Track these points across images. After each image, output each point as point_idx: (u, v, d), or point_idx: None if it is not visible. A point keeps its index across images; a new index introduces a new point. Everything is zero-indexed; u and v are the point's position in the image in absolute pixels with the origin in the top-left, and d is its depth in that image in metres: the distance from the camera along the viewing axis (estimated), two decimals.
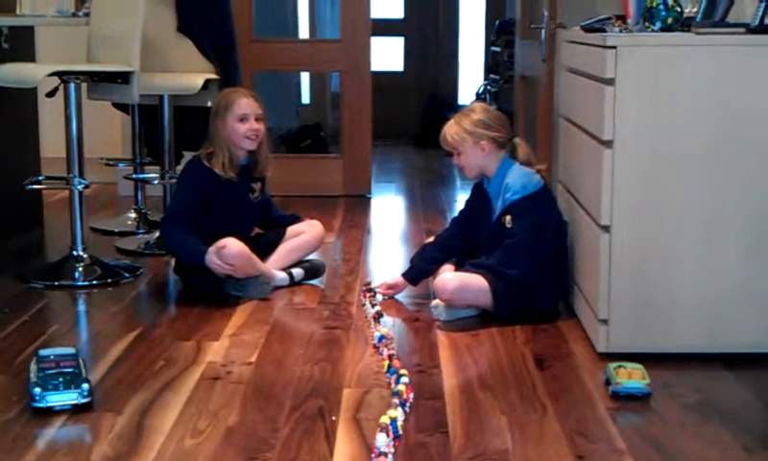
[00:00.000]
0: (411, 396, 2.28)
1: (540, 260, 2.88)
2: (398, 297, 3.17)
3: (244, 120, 3.14)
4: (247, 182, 3.24)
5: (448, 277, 2.89)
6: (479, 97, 6.85)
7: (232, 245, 3.05)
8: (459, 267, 2.99)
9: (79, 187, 3.39)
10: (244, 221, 3.28)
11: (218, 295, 3.11)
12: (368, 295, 3.10)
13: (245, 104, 3.15)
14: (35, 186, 3.61)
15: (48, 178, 3.74)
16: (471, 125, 2.98)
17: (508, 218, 2.91)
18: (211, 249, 3.03)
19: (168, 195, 3.80)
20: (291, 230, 3.36)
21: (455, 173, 6.07)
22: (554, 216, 2.96)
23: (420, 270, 3.14)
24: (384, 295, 3.13)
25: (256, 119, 3.16)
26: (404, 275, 3.14)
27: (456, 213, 3.32)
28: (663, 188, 2.51)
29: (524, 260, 2.85)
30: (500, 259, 2.87)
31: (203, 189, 3.15)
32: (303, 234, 3.36)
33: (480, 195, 3.07)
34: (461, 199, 5.14)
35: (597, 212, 2.57)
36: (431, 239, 3.25)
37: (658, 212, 2.51)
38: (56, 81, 3.40)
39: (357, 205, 4.88)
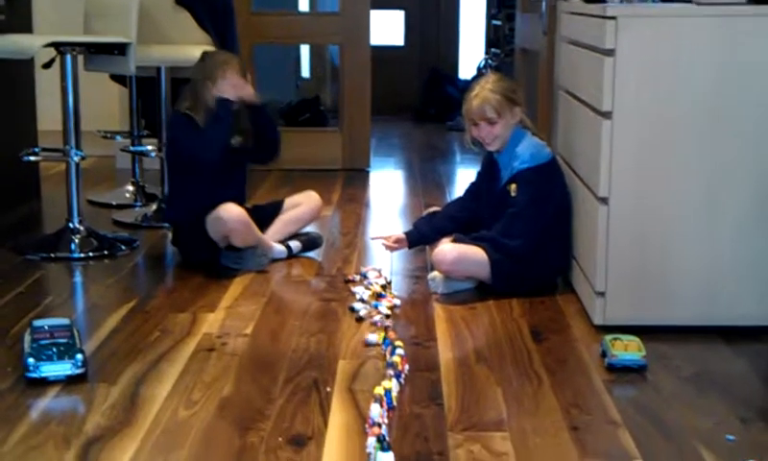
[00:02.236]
0: (406, 367, 2.28)
1: (542, 234, 2.86)
2: (395, 270, 3.16)
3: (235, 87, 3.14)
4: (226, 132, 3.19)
5: (447, 248, 2.88)
6: (480, 71, 6.81)
7: (231, 208, 3.05)
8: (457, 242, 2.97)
9: (75, 159, 3.37)
10: (229, 166, 3.20)
11: (215, 266, 3.10)
12: (361, 282, 3.02)
13: (235, 78, 3.15)
14: (31, 158, 3.59)
15: (45, 149, 3.71)
16: (509, 92, 2.94)
17: (513, 187, 2.90)
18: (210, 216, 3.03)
19: (165, 168, 3.78)
20: (288, 201, 3.36)
21: (455, 148, 6.06)
22: (559, 191, 2.94)
23: (424, 235, 3.10)
24: (389, 249, 3.08)
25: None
26: (407, 234, 3.11)
27: (457, 186, 3.30)
28: (662, 160, 2.49)
29: (525, 231, 2.84)
30: (501, 230, 2.86)
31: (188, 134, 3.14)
32: (301, 206, 3.35)
33: (490, 165, 3.04)
34: (460, 173, 5.13)
35: (596, 184, 2.55)
36: (433, 209, 3.22)
37: (656, 184, 2.50)
38: (52, 52, 3.37)
39: (356, 179, 4.86)
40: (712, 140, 2.47)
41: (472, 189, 3.16)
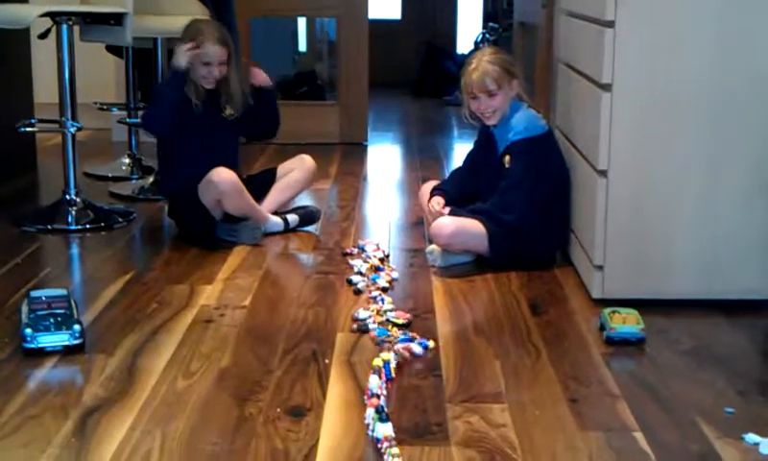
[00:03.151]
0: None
1: (539, 206, 2.85)
2: (394, 244, 3.15)
3: (207, 65, 3.10)
4: (215, 102, 3.17)
5: (445, 221, 2.87)
6: (477, 46, 6.78)
7: (222, 172, 3.05)
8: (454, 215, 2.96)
9: (71, 130, 3.35)
10: (219, 137, 3.19)
11: (211, 237, 3.09)
12: (359, 255, 2.99)
13: (211, 52, 3.09)
14: (27, 129, 3.58)
15: (41, 121, 3.70)
16: (507, 64, 2.93)
17: (507, 158, 2.89)
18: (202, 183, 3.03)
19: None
20: (281, 168, 3.33)
21: (453, 122, 6.04)
22: (555, 163, 2.92)
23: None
24: (433, 214, 2.96)
25: (220, 64, 3.11)
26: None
27: (454, 161, 3.28)
28: (662, 133, 2.48)
29: (520, 204, 2.83)
30: (497, 203, 2.85)
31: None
32: (294, 171, 3.33)
33: (487, 138, 3.02)
34: (458, 148, 5.12)
35: (595, 157, 2.54)
36: (430, 183, 3.20)
37: (656, 157, 2.49)
38: (48, 22, 3.35)
39: (353, 152, 4.85)
40: (713, 113, 2.46)
41: (469, 162, 3.15)
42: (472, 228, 2.83)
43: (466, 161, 3.17)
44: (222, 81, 3.16)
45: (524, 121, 2.90)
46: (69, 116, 3.35)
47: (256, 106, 3.24)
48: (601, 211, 2.52)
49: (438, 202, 2.98)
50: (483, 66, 2.90)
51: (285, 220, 3.24)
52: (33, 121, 3.68)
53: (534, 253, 2.88)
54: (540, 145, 2.90)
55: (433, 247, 2.90)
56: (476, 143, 3.14)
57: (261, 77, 3.24)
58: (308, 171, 3.34)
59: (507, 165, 2.88)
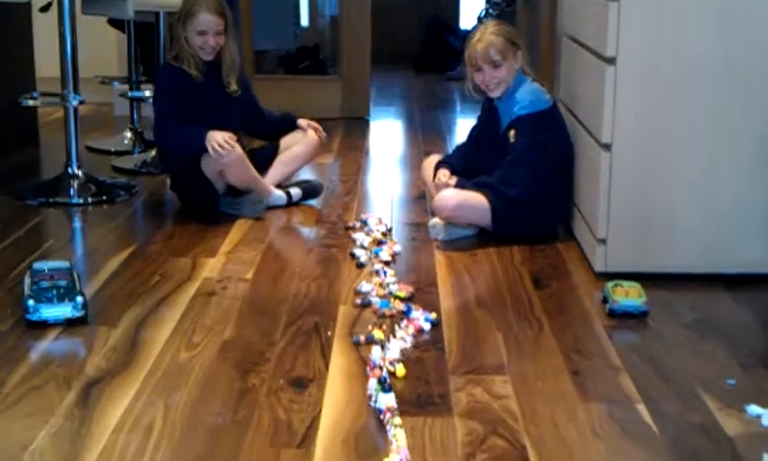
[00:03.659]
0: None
1: (542, 181, 2.84)
2: (396, 218, 3.15)
3: (202, 34, 3.08)
4: (218, 78, 3.16)
5: (449, 194, 2.86)
6: (480, 20, 6.75)
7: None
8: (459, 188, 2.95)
9: (74, 103, 3.35)
10: (226, 116, 3.16)
11: (214, 210, 3.09)
12: (362, 229, 2.98)
13: (205, 20, 3.07)
14: (29, 102, 3.56)
15: (43, 94, 3.69)
16: (511, 35, 2.91)
17: (512, 133, 2.88)
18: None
19: None
20: (284, 142, 3.33)
21: (455, 97, 6.02)
22: (560, 138, 2.91)
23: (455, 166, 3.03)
24: (439, 183, 2.94)
25: (216, 33, 3.09)
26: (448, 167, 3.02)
27: (457, 136, 3.26)
28: (666, 106, 2.47)
29: (524, 178, 2.82)
30: (501, 177, 2.84)
31: (178, 88, 3.10)
32: (296, 146, 3.32)
33: (490, 112, 3.01)
34: (460, 123, 5.10)
35: (598, 130, 2.53)
36: (434, 157, 3.19)
37: (659, 130, 2.48)
38: None
39: (356, 127, 4.83)
40: (716, 86, 2.45)
41: (473, 136, 3.14)
42: (476, 201, 2.82)
43: (469, 136, 3.16)
44: (220, 53, 3.14)
45: (529, 95, 2.88)
46: (71, 89, 3.34)
47: (271, 119, 3.34)
48: (604, 185, 2.52)
49: (444, 174, 2.96)
50: (487, 38, 2.89)
51: (288, 194, 3.23)
52: (34, 94, 3.67)
53: (537, 227, 2.88)
54: (545, 120, 2.89)
55: (436, 220, 2.89)
56: (479, 117, 3.13)
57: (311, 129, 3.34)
58: (311, 144, 3.33)
59: (512, 140, 2.87)
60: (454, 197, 2.84)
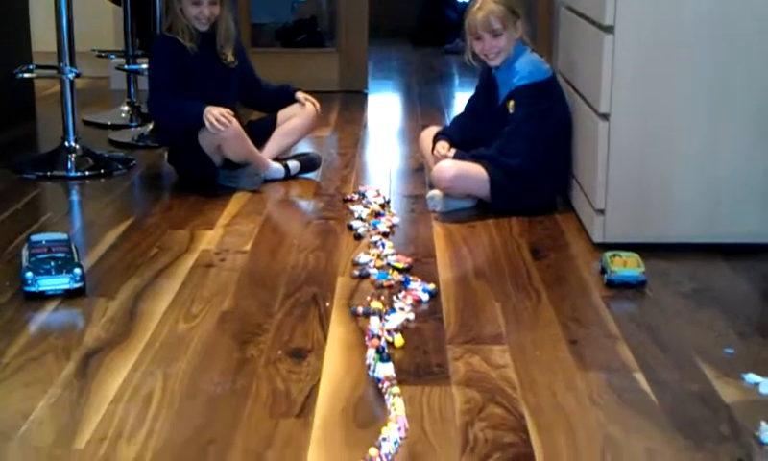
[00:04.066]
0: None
1: (541, 152, 2.83)
2: (394, 190, 3.15)
3: (197, 4, 3.05)
4: (213, 48, 3.13)
5: (447, 164, 2.85)
6: None
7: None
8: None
9: (70, 76, 3.33)
10: (222, 88, 3.16)
11: (211, 182, 3.09)
12: (360, 201, 2.97)
13: None
14: (25, 75, 3.55)
15: (39, 67, 3.67)
16: (512, 4, 2.89)
17: (511, 103, 2.87)
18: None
19: None
20: (282, 114, 3.32)
21: (453, 70, 6.00)
22: (559, 108, 2.90)
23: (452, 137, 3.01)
24: (437, 155, 2.93)
25: (211, 3, 3.06)
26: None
27: (455, 109, 3.24)
28: (664, 76, 2.46)
29: (524, 149, 2.81)
30: (500, 148, 2.84)
31: (173, 59, 3.08)
32: (294, 118, 3.31)
33: (488, 82, 2.99)
34: (458, 96, 5.09)
35: (596, 100, 2.52)
36: (432, 128, 3.18)
37: (657, 100, 2.47)
38: None
39: (353, 100, 4.82)
40: (715, 56, 2.44)
41: (470, 107, 3.13)
42: (474, 172, 2.82)
43: (467, 107, 3.15)
44: (215, 24, 3.12)
45: (528, 65, 2.87)
46: (68, 62, 3.33)
47: (268, 90, 3.32)
48: (602, 155, 2.51)
49: (443, 146, 2.95)
50: (488, 6, 2.87)
51: (286, 166, 3.23)
52: (30, 67, 3.65)
53: (535, 198, 2.87)
54: (544, 90, 2.88)
55: (434, 192, 2.89)
56: (477, 88, 3.12)
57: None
58: (309, 116, 3.32)
59: (510, 110, 2.86)
60: (452, 168, 2.83)
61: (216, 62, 3.14)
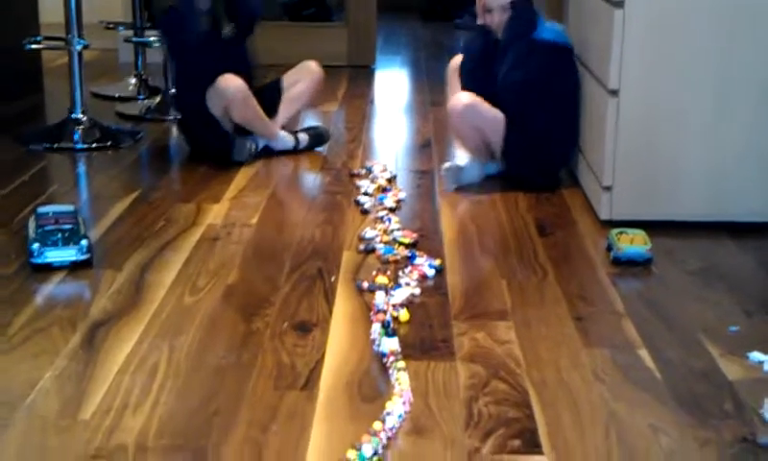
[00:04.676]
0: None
1: (556, 115, 2.83)
2: (401, 165, 3.14)
3: None
4: (215, 22, 3.08)
5: (464, 94, 2.86)
6: None
7: (229, 78, 3.00)
8: None
9: (78, 47, 3.33)
10: (228, 59, 3.09)
11: (224, 150, 3.05)
12: (366, 176, 2.98)
13: None
14: (33, 46, 3.54)
15: (47, 38, 3.67)
16: None
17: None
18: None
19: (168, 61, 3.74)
20: (287, 79, 3.28)
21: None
22: (575, 76, 2.89)
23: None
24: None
25: None
26: None
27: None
28: (674, 53, 2.44)
29: (544, 108, 2.81)
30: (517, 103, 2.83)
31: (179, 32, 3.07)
32: (299, 83, 3.28)
33: (488, 47, 2.95)
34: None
35: (605, 76, 2.51)
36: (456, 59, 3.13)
37: (667, 77, 2.45)
38: None
39: (361, 76, 4.80)
40: (725, 32, 2.42)
41: (471, 76, 3.03)
42: (491, 110, 2.81)
43: (467, 77, 3.04)
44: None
45: (553, 31, 2.89)
46: (75, 34, 3.32)
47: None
48: (611, 132, 2.50)
49: None
50: None
51: (296, 138, 3.21)
52: (38, 38, 3.65)
53: (544, 160, 2.86)
54: (565, 54, 2.88)
55: (449, 164, 2.87)
56: (471, 59, 3.04)
57: None
58: (314, 80, 3.29)
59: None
60: (469, 97, 2.83)
61: (216, 33, 3.09)
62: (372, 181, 2.88)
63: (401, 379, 1.67)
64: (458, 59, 3.13)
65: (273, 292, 2.09)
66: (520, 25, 2.87)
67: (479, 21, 2.95)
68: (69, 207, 2.38)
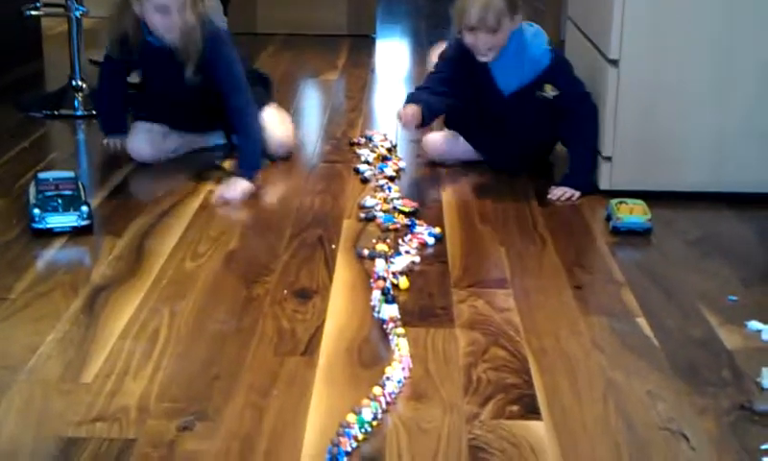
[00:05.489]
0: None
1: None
2: (401, 135, 3.13)
3: (162, 12, 2.49)
4: (175, 61, 2.57)
5: (438, 138, 2.83)
6: None
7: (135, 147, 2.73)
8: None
9: (77, 14, 3.32)
10: (182, 102, 2.73)
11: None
12: (366, 145, 2.95)
13: None
14: (32, 13, 3.52)
15: (46, 5, 3.65)
16: None
17: (549, 87, 2.61)
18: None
19: None
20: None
21: None
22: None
23: (433, 110, 2.70)
24: (407, 123, 2.64)
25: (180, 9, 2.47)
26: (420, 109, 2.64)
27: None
28: (675, 23, 2.44)
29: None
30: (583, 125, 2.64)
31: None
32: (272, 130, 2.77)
33: (474, 67, 2.65)
34: None
35: (606, 46, 2.50)
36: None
37: (668, 48, 2.45)
38: None
39: (361, 45, 4.78)
40: (725, 4, 2.42)
41: (446, 82, 2.72)
42: (466, 145, 2.78)
43: (442, 82, 2.73)
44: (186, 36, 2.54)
45: (540, 46, 2.63)
46: (75, 0, 3.31)
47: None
48: (611, 102, 2.50)
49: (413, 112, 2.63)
50: (484, 2, 2.52)
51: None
52: (38, 5, 3.63)
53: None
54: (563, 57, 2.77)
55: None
56: (453, 69, 2.72)
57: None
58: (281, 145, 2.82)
59: (551, 91, 2.61)
60: (443, 139, 2.81)
61: (178, 76, 2.60)
62: (372, 150, 2.88)
63: (401, 345, 1.68)
64: (441, 46, 2.95)
65: (273, 259, 2.09)
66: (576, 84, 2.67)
67: (467, 40, 2.59)
68: (69, 173, 2.38)
